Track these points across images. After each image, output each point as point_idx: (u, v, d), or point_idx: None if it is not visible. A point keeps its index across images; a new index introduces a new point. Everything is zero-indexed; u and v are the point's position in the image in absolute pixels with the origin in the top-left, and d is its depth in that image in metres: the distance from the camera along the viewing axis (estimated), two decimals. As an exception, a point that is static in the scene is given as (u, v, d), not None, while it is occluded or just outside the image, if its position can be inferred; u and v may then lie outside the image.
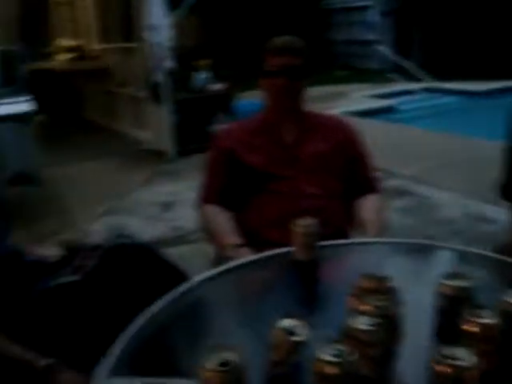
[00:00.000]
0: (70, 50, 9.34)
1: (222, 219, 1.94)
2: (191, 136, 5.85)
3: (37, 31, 9.86)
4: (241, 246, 1.80)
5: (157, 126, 6.03)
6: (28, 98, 4.41)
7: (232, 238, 1.84)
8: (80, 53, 9.20)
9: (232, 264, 1.59)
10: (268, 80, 1.95)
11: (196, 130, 5.97)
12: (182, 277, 1.70)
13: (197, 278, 1.51)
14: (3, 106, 4.30)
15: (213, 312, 1.43)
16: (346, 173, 2.04)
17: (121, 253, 1.63)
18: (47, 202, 4.64)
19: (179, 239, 3.65)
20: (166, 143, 5.79)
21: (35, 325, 1.51)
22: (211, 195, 2.03)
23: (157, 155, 5.85)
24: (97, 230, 3.98)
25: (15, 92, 4.56)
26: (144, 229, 3.93)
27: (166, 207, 4.33)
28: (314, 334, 1.00)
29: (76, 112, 9.17)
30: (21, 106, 4.34)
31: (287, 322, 1.01)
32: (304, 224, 1.45)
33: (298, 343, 0.99)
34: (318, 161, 1.99)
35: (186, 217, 4.03)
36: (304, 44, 2.00)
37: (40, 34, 9.99)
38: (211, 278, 1.51)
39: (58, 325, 1.51)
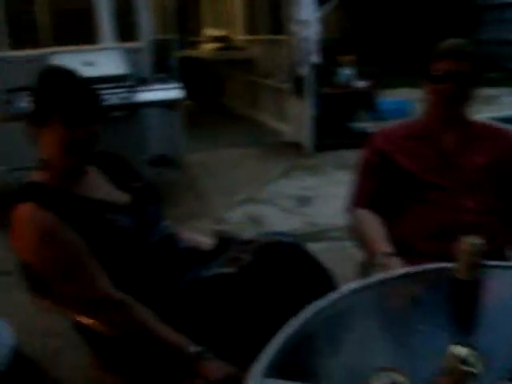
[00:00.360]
0: (216, 39, 9.64)
1: (373, 225, 1.87)
2: (330, 131, 5.81)
3: (187, 21, 10.30)
4: (392, 255, 1.73)
5: (297, 119, 6.04)
6: (178, 85, 4.59)
7: (383, 245, 1.77)
8: (226, 43, 9.47)
9: (385, 275, 1.53)
10: (433, 85, 1.85)
11: (335, 125, 5.91)
12: (330, 281, 1.67)
13: (348, 287, 1.47)
14: (155, 92, 4.50)
15: (364, 325, 1.37)
16: (508, 189, 1.90)
17: (276, 250, 1.62)
18: (185, 187, 4.81)
19: (315, 235, 3.62)
20: (305, 137, 5.79)
21: (183, 313, 1.54)
22: (363, 198, 1.98)
23: (295, 148, 5.87)
24: (233, 218, 4.07)
25: (167, 79, 4.77)
26: (280, 221, 3.96)
27: (302, 201, 4.32)
28: (487, 368, 0.93)
29: (217, 100, 9.49)
30: (171, 92, 4.52)
31: (461, 350, 0.94)
32: (471, 242, 1.36)
33: (470, 374, 0.92)
34: (480, 173, 1.87)
35: (323, 213, 4.01)
36: (473, 48, 1.87)
37: (190, 24, 10.44)
38: (363, 288, 1.46)
39: (207, 315, 1.54)
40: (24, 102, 4.06)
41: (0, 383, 0.95)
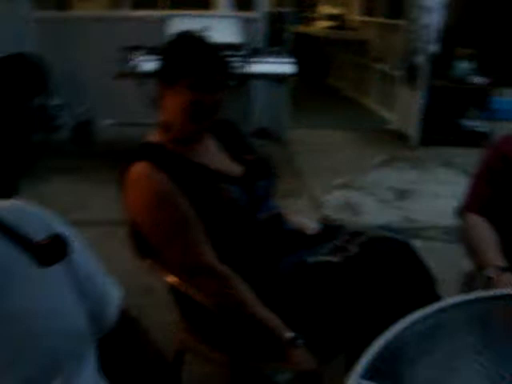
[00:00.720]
0: (331, 17, 9.48)
1: (486, 234, 1.75)
2: (438, 126, 5.56)
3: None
4: (505, 270, 1.61)
5: (405, 109, 5.83)
6: (291, 60, 4.52)
7: (496, 258, 1.65)
8: (340, 22, 9.30)
9: (495, 292, 1.42)
10: None
11: (444, 120, 5.64)
12: (434, 286, 1.59)
13: (453, 300, 1.37)
14: (267, 64, 4.46)
15: (463, 343, 1.28)
16: None
17: (384, 245, 1.55)
18: (285, 163, 4.76)
19: (411, 232, 3.48)
20: (412, 128, 5.57)
21: (281, 295, 1.51)
22: (478, 204, 1.85)
23: (399, 138, 5.68)
24: (330, 201, 3.99)
25: (280, 53, 4.72)
26: (376, 211, 3.85)
27: (401, 194, 4.17)
28: None
29: (324, 79, 9.36)
30: (283, 66, 4.47)
31: None
32: None
33: None
34: None
35: (421, 210, 3.85)
36: None
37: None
38: (468, 302, 1.36)
39: (305, 301, 1.50)
40: (139, 61, 4.17)
41: (108, 341, 0.95)
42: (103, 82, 5.70)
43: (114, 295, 1.00)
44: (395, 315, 1.22)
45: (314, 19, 10.09)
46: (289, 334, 1.40)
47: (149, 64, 4.09)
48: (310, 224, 1.76)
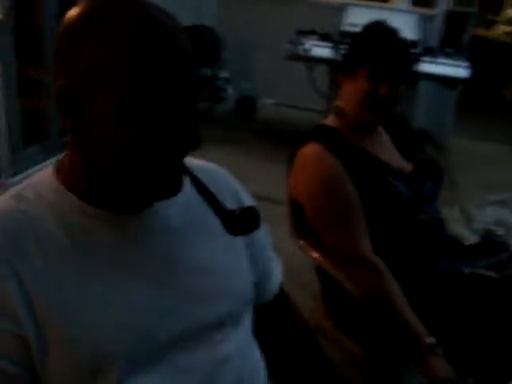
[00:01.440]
0: (515, 23, 8.87)
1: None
2: None
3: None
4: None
5: None
6: (466, 63, 4.33)
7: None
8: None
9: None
10: None
11: None
12: None
13: None
14: (439, 65, 4.32)
15: None
16: None
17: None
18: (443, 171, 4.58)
19: None
20: None
21: (431, 299, 1.48)
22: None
23: None
24: (482, 217, 3.80)
25: (455, 54, 4.54)
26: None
27: None
28: None
29: (499, 89, 8.81)
30: (456, 70, 4.29)
31: None
32: None
33: None
34: None
35: None
36: None
37: (492, 0, 9.71)
38: None
39: (454, 311, 1.46)
40: (311, 45, 4.22)
41: (264, 311, 1.01)
42: (271, 62, 5.88)
43: (277, 269, 1.06)
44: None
45: (495, 22, 9.49)
46: (430, 340, 1.37)
47: (321, 50, 4.14)
48: (467, 235, 1.70)
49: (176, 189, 0.79)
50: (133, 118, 0.70)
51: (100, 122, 0.71)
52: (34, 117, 3.51)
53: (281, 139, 4.84)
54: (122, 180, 0.75)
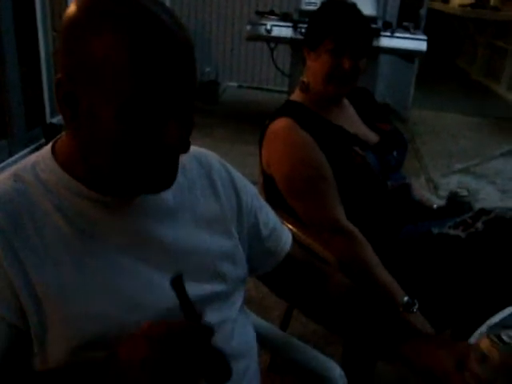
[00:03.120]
0: (469, -5, 8.99)
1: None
2: None
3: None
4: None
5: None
6: (423, 37, 4.41)
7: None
8: (478, 0, 8.80)
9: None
10: None
11: None
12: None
13: None
14: (398, 40, 4.37)
15: None
16: None
17: (509, 227, 1.53)
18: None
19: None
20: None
21: (400, 261, 1.54)
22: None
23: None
24: (448, 185, 3.91)
25: (413, 28, 4.60)
26: (494, 200, 3.72)
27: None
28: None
29: (453, 60, 8.97)
30: (415, 43, 4.36)
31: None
32: None
33: None
34: None
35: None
36: None
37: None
38: None
39: (422, 270, 1.52)
40: (272, 26, 4.23)
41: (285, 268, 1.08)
42: (230, 45, 5.88)
43: (286, 233, 1.12)
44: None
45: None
46: (406, 299, 1.43)
47: (282, 29, 4.16)
48: (434, 199, 1.77)
49: (166, 184, 0.81)
50: (127, 112, 0.71)
51: (94, 116, 0.73)
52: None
53: (245, 121, 4.89)
54: (115, 171, 0.76)
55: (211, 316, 0.86)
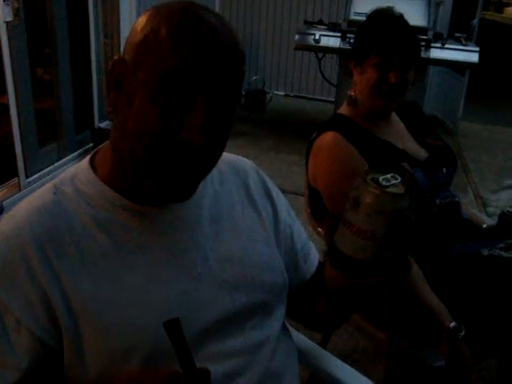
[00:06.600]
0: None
1: None
2: None
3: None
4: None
5: None
6: (475, 48, 4.30)
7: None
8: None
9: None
10: None
11: None
12: None
13: None
14: (449, 51, 4.28)
15: None
16: None
17: None
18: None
19: None
20: None
21: (449, 282, 1.50)
22: None
23: None
24: (498, 202, 3.79)
25: (465, 39, 4.50)
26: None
27: None
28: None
29: (505, 72, 8.73)
30: (466, 54, 4.26)
31: None
32: None
33: None
34: None
35: None
36: None
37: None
38: None
39: (473, 293, 1.47)
40: (320, 35, 4.21)
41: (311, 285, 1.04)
42: (278, 54, 5.88)
43: (314, 250, 1.08)
44: None
45: (505, 5, 9.37)
46: (452, 324, 1.38)
47: (330, 39, 4.13)
48: (484, 218, 1.71)
49: (188, 193, 0.80)
50: (162, 96, 0.71)
51: (132, 96, 0.73)
52: (47, 117, 3.54)
53: (291, 130, 4.87)
54: (138, 160, 0.76)
55: (253, 335, 0.85)
